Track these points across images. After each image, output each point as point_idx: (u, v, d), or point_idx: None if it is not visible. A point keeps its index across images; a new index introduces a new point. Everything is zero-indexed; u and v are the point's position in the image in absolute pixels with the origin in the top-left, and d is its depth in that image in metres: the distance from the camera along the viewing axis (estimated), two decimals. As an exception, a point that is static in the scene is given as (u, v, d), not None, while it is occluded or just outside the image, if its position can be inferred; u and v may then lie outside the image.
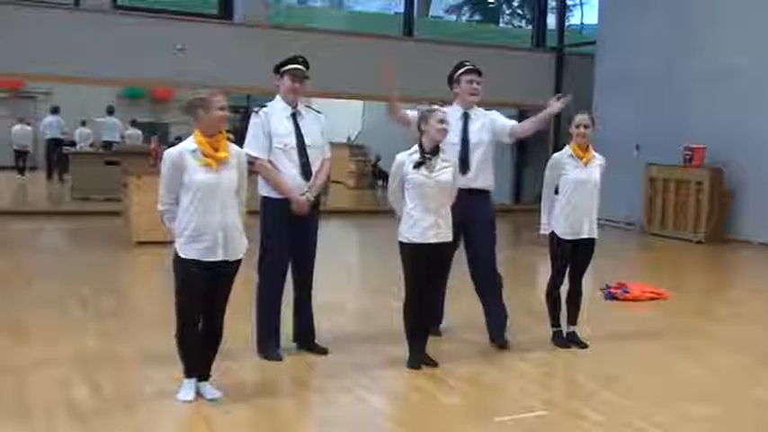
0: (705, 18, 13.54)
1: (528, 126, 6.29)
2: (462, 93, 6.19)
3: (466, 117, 6.17)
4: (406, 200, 5.34)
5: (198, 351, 4.71)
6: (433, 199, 5.30)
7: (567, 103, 6.19)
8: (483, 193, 6.15)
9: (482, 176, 6.13)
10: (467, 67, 6.21)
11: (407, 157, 5.35)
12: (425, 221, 5.29)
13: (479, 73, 6.22)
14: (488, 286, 6.18)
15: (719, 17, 13.27)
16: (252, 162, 5.49)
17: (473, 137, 6.12)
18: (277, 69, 5.60)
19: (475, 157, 6.09)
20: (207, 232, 4.50)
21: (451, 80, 6.26)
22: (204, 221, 4.49)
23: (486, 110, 6.32)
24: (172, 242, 4.64)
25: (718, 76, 13.12)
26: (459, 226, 5.84)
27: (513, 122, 6.32)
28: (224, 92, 4.66)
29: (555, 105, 6.12)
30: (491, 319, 6.16)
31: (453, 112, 6.09)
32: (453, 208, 5.57)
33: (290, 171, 5.50)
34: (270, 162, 5.49)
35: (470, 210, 5.91)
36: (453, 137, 6.00)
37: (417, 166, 5.29)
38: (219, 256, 4.54)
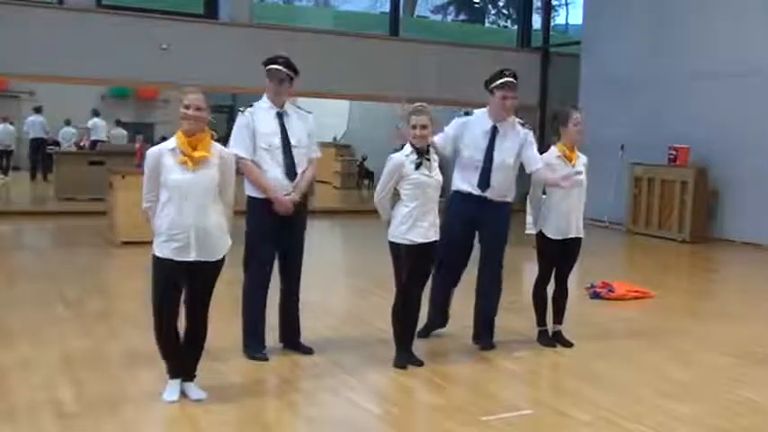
0: (690, 18, 13.61)
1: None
2: (493, 105, 5.92)
3: (494, 132, 5.92)
4: (404, 200, 5.29)
5: (177, 351, 4.69)
6: (432, 198, 5.32)
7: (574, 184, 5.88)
8: (502, 203, 6.04)
9: (501, 193, 5.99)
10: (503, 80, 5.86)
11: (405, 157, 5.28)
12: (426, 221, 5.29)
13: (515, 86, 5.88)
14: (488, 287, 6.14)
15: (705, 17, 13.33)
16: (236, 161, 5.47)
17: (497, 157, 5.90)
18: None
19: (496, 177, 5.92)
20: (180, 232, 4.46)
21: (487, 86, 5.96)
22: (177, 221, 4.45)
23: (522, 124, 6.00)
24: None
25: (703, 76, 13.18)
26: (473, 226, 5.96)
27: (540, 166, 5.92)
28: (200, 90, 4.58)
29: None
30: (480, 319, 6.16)
31: (482, 123, 5.95)
32: (468, 210, 5.73)
33: (273, 171, 5.47)
34: (254, 162, 5.47)
35: (486, 214, 5.95)
36: (477, 153, 5.89)
37: (418, 166, 5.26)
38: (192, 257, 4.49)
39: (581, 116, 6.02)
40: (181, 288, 4.57)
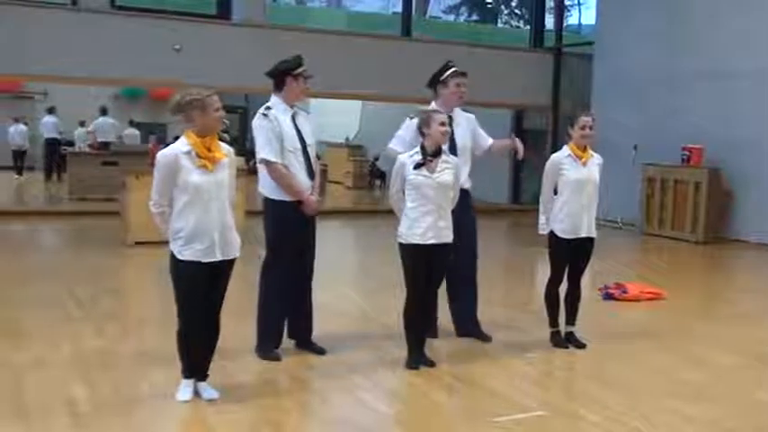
0: (703, 18, 13.55)
1: (500, 148, 6.53)
2: (449, 95, 6.14)
3: (450, 120, 6.01)
4: (407, 200, 5.34)
5: (201, 352, 4.72)
6: (434, 200, 5.30)
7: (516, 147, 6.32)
8: (465, 192, 6.11)
9: (466, 179, 6.12)
10: (455, 69, 6.16)
11: (408, 158, 5.34)
12: (425, 222, 5.29)
13: (466, 75, 6.21)
14: (467, 279, 6.28)
15: (717, 17, 13.28)
16: (253, 165, 5.48)
17: (459, 141, 6.13)
18: (284, 73, 5.52)
19: (461, 161, 6.01)
20: (205, 233, 4.49)
21: (437, 81, 6.17)
22: (202, 223, 4.47)
23: (464, 110, 6.32)
24: (167, 242, 4.63)
25: (716, 75, 13.13)
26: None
27: (491, 141, 6.44)
28: (216, 91, 4.61)
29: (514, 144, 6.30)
30: (462, 317, 6.26)
31: None
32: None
33: (299, 173, 5.49)
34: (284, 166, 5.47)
35: (459, 209, 5.92)
36: None
37: (418, 167, 5.29)
38: (218, 257, 4.54)
39: (589, 120, 5.99)
40: (206, 289, 4.59)
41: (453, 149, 6.01)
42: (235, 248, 4.66)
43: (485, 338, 6.24)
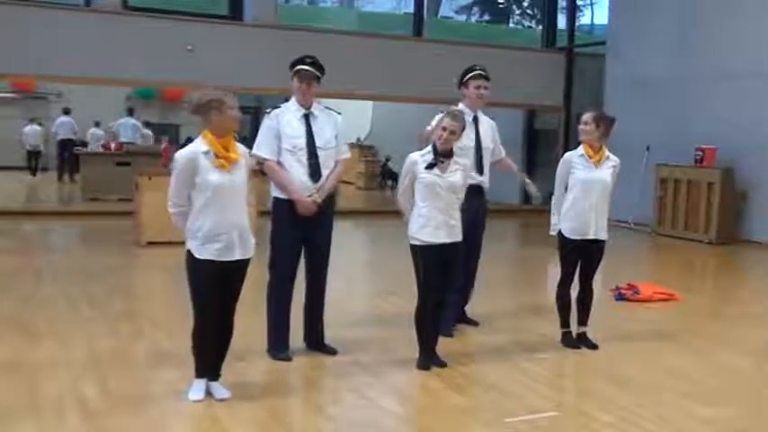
0: (716, 18, 13.47)
1: (506, 167, 7.01)
2: (470, 96, 6.46)
3: (476, 120, 6.45)
4: (417, 199, 5.34)
5: (215, 351, 4.73)
6: (444, 199, 5.32)
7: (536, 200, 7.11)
8: (482, 188, 6.48)
9: (487, 177, 6.55)
10: (475, 72, 6.46)
11: (420, 156, 5.36)
12: (435, 221, 5.30)
13: (487, 78, 6.47)
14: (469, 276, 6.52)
15: (731, 17, 13.20)
16: (261, 163, 5.50)
17: (484, 141, 6.48)
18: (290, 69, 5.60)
19: (486, 160, 6.49)
20: (223, 232, 4.52)
21: (461, 83, 6.51)
22: (220, 222, 4.51)
23: (491, 117, 6.67)
24: (182, 243, 4.65)
25: (729, 76, 13.05)
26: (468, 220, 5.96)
27: (504, 154, 6.89)
28: (232, 92, 4.66)
29: (530, 188, 6.94)
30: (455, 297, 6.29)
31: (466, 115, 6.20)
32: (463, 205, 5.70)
33: (297, 172, 5.49)
34: (279, 163, 5.49)
35: (479, 204, 6.31)
36: (467, 140, 6.17)
37: (430, 166, 5.30)
38: (236, 256, 4.57)
39: (585, 118, 5.97)
40: (222, 288, 4.61)
41: (479, 150, 6.40)
42: (250, 249, 4.69)
43: (474, 323, 6.65)
